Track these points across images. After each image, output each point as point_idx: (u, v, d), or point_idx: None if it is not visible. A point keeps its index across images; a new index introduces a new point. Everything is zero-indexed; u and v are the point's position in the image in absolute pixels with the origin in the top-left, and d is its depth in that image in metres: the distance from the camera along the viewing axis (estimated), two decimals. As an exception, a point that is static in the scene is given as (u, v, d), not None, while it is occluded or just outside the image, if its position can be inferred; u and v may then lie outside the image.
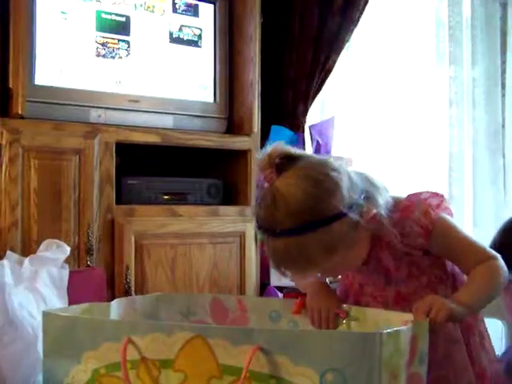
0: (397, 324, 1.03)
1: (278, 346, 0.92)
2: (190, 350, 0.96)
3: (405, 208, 1.23)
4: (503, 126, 3.18)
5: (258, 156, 1.21)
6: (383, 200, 1.20)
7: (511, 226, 1.79)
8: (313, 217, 1.13)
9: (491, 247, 1.26)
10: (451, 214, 1.27)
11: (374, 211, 1.17)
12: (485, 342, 1.29)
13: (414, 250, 1.23)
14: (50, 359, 1.07)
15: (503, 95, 3.18)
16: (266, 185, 1.17)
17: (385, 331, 0.90)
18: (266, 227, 1.16)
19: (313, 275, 1.29)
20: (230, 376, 0.94)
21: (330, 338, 0.91)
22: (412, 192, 1.28)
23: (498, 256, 1.22)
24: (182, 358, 0.97)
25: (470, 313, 1.16)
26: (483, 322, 1.31)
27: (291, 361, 0.91)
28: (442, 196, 1.27)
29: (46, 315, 1.08)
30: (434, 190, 1.29)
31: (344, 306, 1.27)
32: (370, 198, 1.18)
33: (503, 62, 3.17)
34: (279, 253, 1.16)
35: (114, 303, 1.27)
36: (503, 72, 3.17)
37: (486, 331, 1.31)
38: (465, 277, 1.28)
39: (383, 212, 1.18)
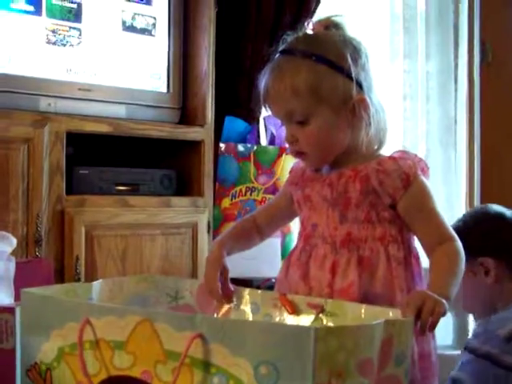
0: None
1: (216, 334, 0.92)
2: (139, 333, 0.98)
3: (392, 155, 1.28)
4: (455, 121, 3.22)
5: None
6: (380, 118, 1.28)
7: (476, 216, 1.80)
8: (324, 54, 1.23)
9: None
10: None
11: (367, 98, 1.24)
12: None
13: (384, 192, 1.22)
14: (26, 336, 1.11)
15: (456, 89, 3.21)
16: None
17: (322, 326, 0.88)
18: (284, 47, 1.28)
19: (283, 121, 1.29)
20: (173, 361, 0.94)
21: (264, 329, 0.89)
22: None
23: (457, 238, 1.23)
24: (132, 340, 0.99)
25: (449, 304, 1.12)
26: None
27: (228, 350, 0.90)
28: (428, 167, 1.29)
29: (24, 294, 1.13)
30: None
31: (319, 299, 1.20)
32: (375, 104, 1.27)
33: (456, 57, 3.21)
34: (274, 68, 1.26)
35: (98, 284, 1.30)
36: (456, 66, 3.21)
37: None
38: (421, 250, 1.28)
39: (374, 120, 1.25)
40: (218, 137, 2.64)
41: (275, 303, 1.26)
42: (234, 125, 2.70)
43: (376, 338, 0.92)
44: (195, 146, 2.56)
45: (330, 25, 1.31)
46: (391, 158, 1.27)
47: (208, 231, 2.54)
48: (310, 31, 1.33)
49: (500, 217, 1.67)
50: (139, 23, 2.48)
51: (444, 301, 1.06)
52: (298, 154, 1.29)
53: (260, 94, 1.30)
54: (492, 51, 3.04)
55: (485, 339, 1.46)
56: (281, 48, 1.30)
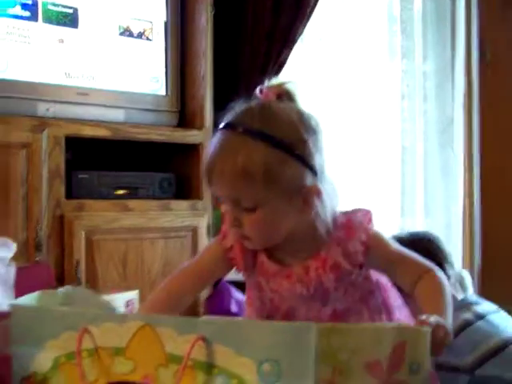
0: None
1: (219, 335, 0.93)
2: (140, 338, 0.98)
3: (345, 226, 1.20)
4: (452, 120, 3.22)
5: (270, 82, 1.21)
6: (331, 201, 1.19)
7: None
8: (283, 137, 1.11)
9: None
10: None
11: (321, 189, 1.15)
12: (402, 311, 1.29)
13: (354, 267, 1.20)
14: (18, 349, 1.09)
15: (453, 89, 3.21)
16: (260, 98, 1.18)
17: (324, 324, 0.89)
18: (234, 121, 1.13)
19: (226, 207, 1.17)
20: (175, 365, 0.95)
21: (267, 328, 0.91)
22: (344, 210, 1.24)
23: (433, 266, 1.20)
24: (132, 346, 0.99)
25: None
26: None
27: (232, 350, 0.92)
28: (371, 212, 1.23)
29: (12, 307, 1.11)
30: (362, 208, 1.25)
31: None
32: (326, 188, 1.17)
33: (453, 57, 3.21)
34: (225, 147, 1.12)
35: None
36: (453, 66, 3.21)
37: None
38: (392, 290, 1.27)
39: (326, 205, 1.16)
40: (216, 140, 2.64)
41: None
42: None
43: (385, 341, 0.92)
44: (194, 149, 2.56)
45: (282, 93, 1.18)
46: (347, 232, 1.20)
47: (208, 234, 2.54)
48: (260, 98, 1.19)
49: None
50: (136, 28, 2.48)
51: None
52: (241, 236, 1.19)
53: (204, 165, 1.16)
54: (491, 50, 3.04)
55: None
56: (231, 118, 1.14)
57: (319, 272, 1.19)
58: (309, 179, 1.13)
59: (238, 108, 1.16)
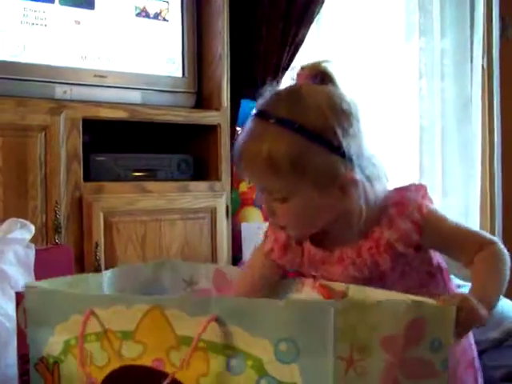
0: None
1: (233, 316, 0.91)
2: (149, 321, 0.96)
3: (396, 203, 1.15)
4: (471, 98, 3.18)
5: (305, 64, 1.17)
6: (373, 188, 1.13)
7: None
8: (310, 126, 1.07)
9: None
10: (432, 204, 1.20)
11: (355, 178, 1.09)
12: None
13: (409, 248, 1.14)
14: (32, 330, 1.09)
15: (471, 66, 3.17)
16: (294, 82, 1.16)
17: (338, 302, 0.87)
18: (261, 108, 1.11)
19: (262, 195, 1.15)
20: (187, 347, 0.93)
21: (282, 307, 0.88)
22: (397, 185, 1.20)
23: (496, 239, 1.15)
24: (141, 329, 0.97)
25: (491, 313, 1.05)
26: None
27: (247, 331, 0.89)
28: (425, 187, 1.19)
29: (26, 288, 1.11)
30: (416, 182, 1.21)
31: (342, 284, 1.15)
32: (366, 173, 1.12)
33: (472, 33, 3.16)
34: (251, 136, 1.10)
35: (112, 272, 1.27)
36: (472, 43, 3.16)
37: None
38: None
39: (368, 191, 1.11)
40: (234, 121, 2.63)
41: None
42: (250, 108, 2.69)
43: (400, 316, 0.90)
44: (212, 130, 2.56)
45: (316, 74, 1.14)
46: (398, 210, 1.15)
47: (226, 215, 2.53)
48: (292, 82, 1.16)
49: None
50: (152, 8, 2.47)
51: (483, 310, 1.01)
52: (278, 226, 1.18)
53: (234, 153, 1.14)
54: (512, 26, 2.99)
55: None
56: (259, 105, 1.12)
57: (373, 252, 1.14)
58: (342, 167, 1.08)
59: (268, 93, 1.13)
